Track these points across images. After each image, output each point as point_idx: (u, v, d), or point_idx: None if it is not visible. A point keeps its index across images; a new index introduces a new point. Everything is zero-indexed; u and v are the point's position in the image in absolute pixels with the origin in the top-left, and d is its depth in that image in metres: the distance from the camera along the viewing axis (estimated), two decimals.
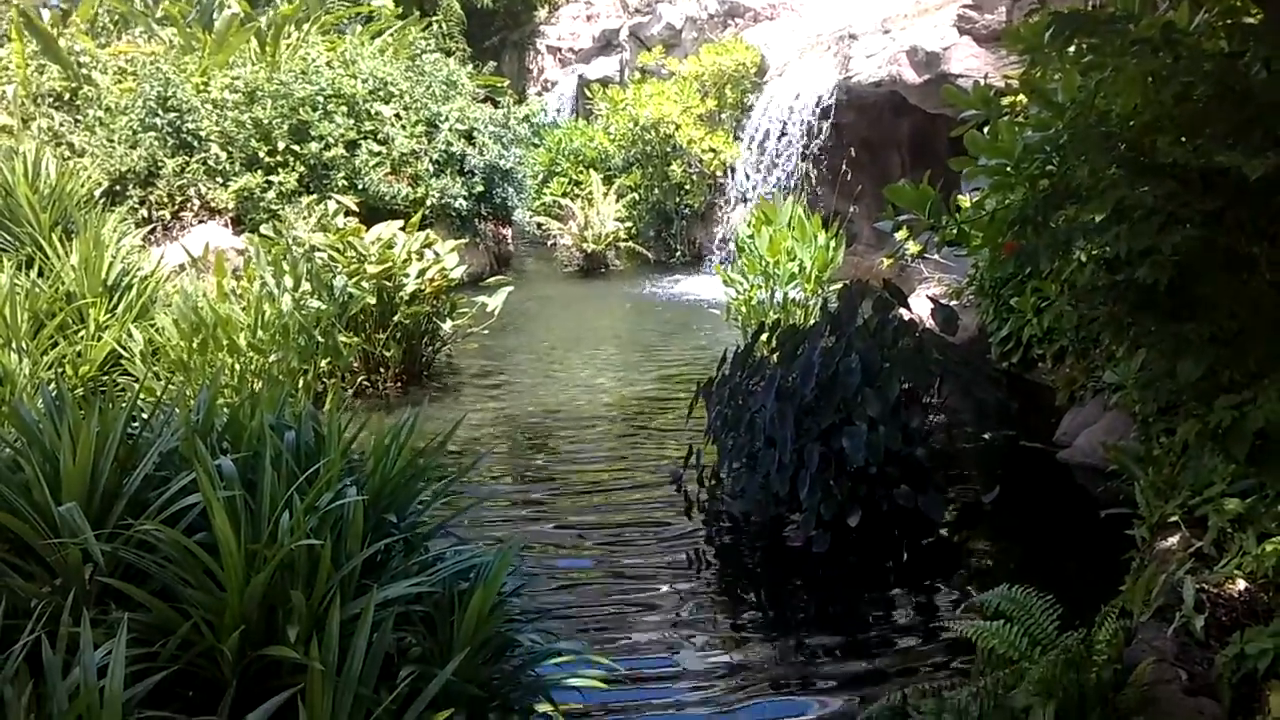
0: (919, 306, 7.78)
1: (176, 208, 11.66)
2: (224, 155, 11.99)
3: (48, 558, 3.05)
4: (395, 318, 8.44)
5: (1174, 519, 4.15)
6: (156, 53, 13.57)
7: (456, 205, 12.99)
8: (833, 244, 9.78)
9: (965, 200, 6.94)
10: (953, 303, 8.26)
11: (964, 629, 3.56)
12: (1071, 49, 3.96)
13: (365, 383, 8.38)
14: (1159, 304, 3.72)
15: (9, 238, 8.01)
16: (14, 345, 6.70)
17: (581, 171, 16.58)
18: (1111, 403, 6.05)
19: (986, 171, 4.89)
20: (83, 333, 7.23)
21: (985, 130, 4.90)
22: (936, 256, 9.65)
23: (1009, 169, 4.70)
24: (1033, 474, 6.43)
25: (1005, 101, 5.08)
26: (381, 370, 8.55)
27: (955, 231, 5.28)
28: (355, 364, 8.29)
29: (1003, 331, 7.68)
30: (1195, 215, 3.75)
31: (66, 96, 12.57)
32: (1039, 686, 3.05)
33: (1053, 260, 5.75)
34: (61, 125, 11.87)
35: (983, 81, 5.10)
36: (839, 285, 6.96)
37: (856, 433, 5.13)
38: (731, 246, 12.95)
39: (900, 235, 6.66)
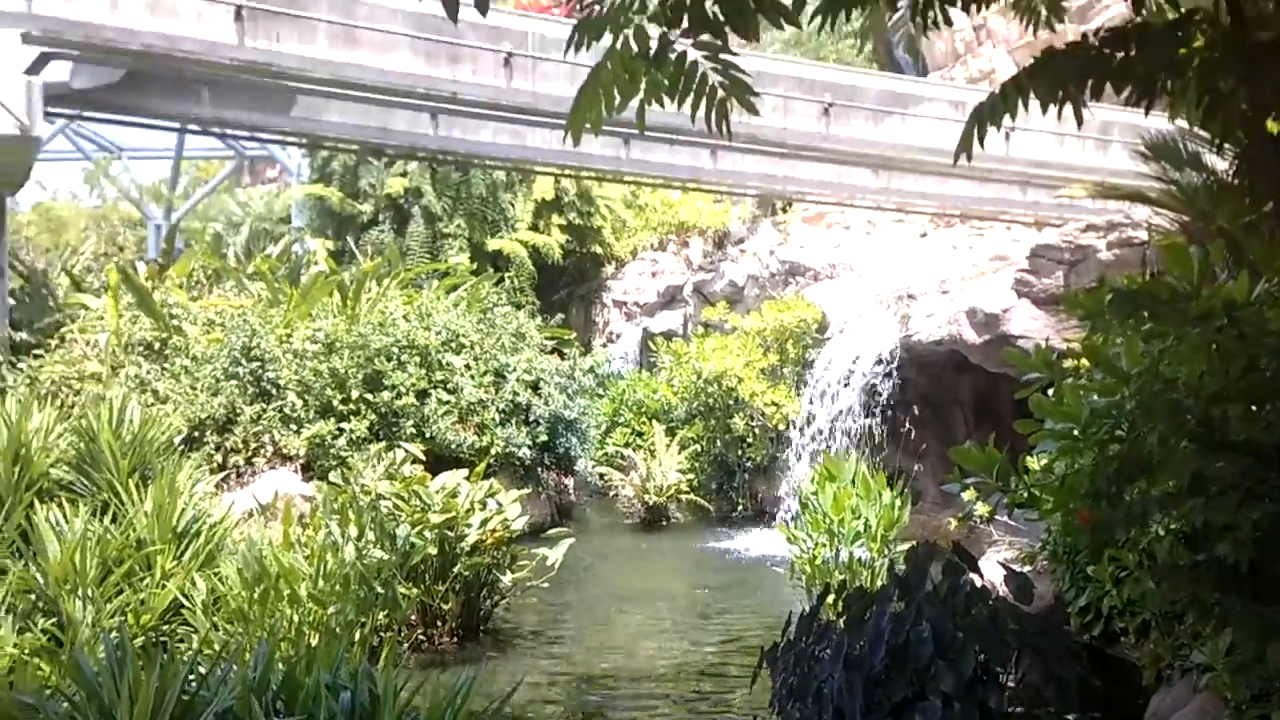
0: (990, 571, 7.55)
1: (250, 454, 11.95)
2: (300, 403, 12.40)
3: None
4: (455, 569, 8.40)
5: None
6: (245, 305, 14.34)
7: (521, 454, 13.17)
8: (898, 502, 9.67)
9: (1034, 462, 6.86)
10: (1026, 568, 8.01)
11: None
12: (1131, 320, 4.02)
13: (421, 636, 8.26)
14: (1243, 584, 3.59)
15: (88, 483, 8.24)
16: (80, 592, 6.76)
17: (644, 422, 16.83)
18: (1202, 684, 5.70)
19: (1053, 435, 4.87)
20: (148, 580, 7.28)
21: (1049, 392, 4.93)
22: (1006, 519, 9.46)
23: (1076, 433, 4.69)
24: None
25: (1067, 364, 5.13)
26: (438, 624, 8.43)
27: (1025, 495, 5.22)
28: (413, 617, 8.20)
29: (1081, 601, 7.38)
30: (1274, 491, 3.67)
31: (156, 346, 13.23)
32: None
33: (1128, 531, 5.61)
34: (149, 373, 12.42)
35: (1044, 344, 5.16)
36: (906, 546, 6.82)
37: (931, 709, 4.88)
38: (795, 502, 12.85)
39: (968, 496, 6.58)
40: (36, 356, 12.39)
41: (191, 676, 3.94)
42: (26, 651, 6.21)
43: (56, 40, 11.59)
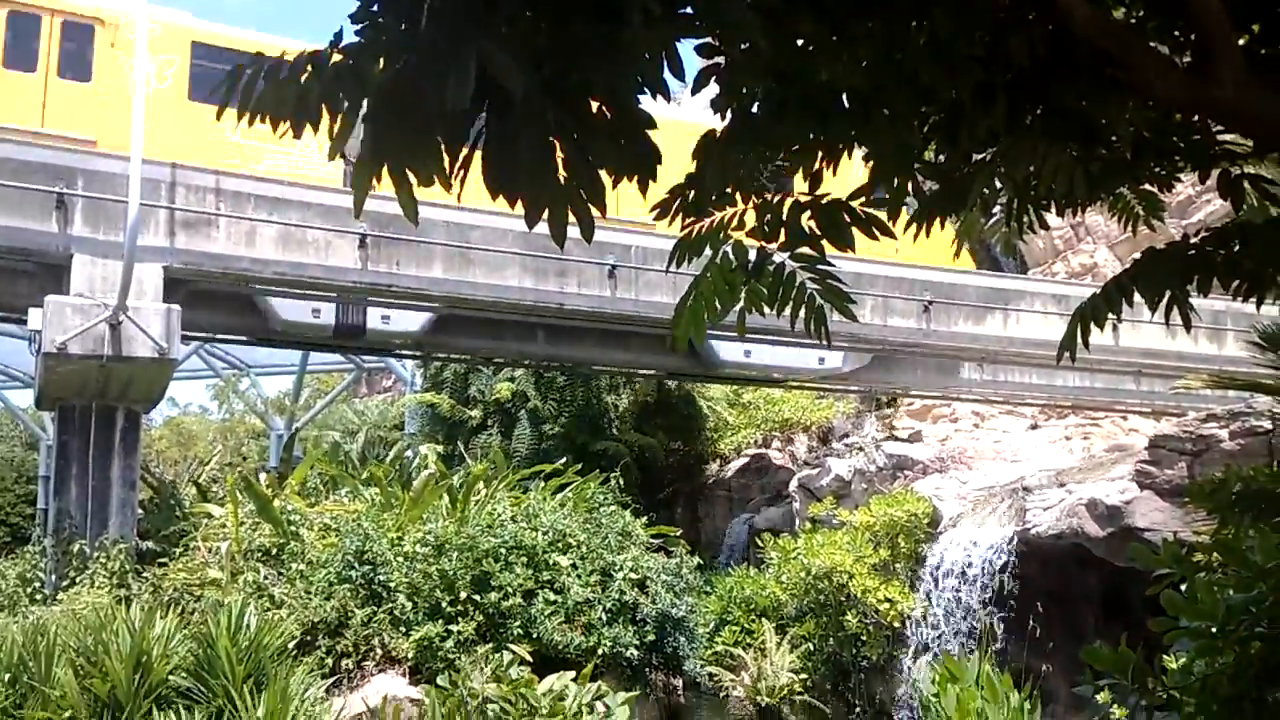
0: None
1: (360, 657, 11.98)
2: (409, 605, 12.47)
3: None
4: None
5: None
6: (360, 510, 14.69)
7: (628, 654, 12.91)
8: (1027, 705, 9.14)
9: (1171, 662, 6.48)
10: None
11: None
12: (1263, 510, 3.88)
13: None
14: None
15: (204, 690, 8.35)
16: None
17: (754, 620, 16.39)
18: None
19: (1190, 634, 4.62)
20: None
21: (1182, 588, 4.71)
22: None
23: (1214, 630, 4.44)
24: None
25: (1198, 558, 4.91)
26: None
27: (1164, 696, 4.91)
28: None
29: None
30: None
31: (274, 551, 13.56)
32: None
33: None
34: (266, 578, 12.71)
35: (1170, 537, 4.96)
36: None
37: None
38: (916, 705, 12.23)
39: (1102, 698, 6.22)
40: (161, 564, 12.81)
41: None
42: None
43: (196, 272, 12.55)
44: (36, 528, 13.16)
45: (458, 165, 2.90)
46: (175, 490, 17.83)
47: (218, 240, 12.55)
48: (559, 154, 2.90)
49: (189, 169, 12.62)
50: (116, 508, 12.36)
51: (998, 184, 3.99)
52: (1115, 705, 7.24)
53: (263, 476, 15.97)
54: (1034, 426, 20.09)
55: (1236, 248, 4.03)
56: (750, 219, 3.79)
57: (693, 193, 3.73)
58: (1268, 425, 9.96)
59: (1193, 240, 4.09)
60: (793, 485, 20.90)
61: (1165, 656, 6.99)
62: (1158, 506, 10.88)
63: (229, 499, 14.38)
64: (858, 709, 14.88)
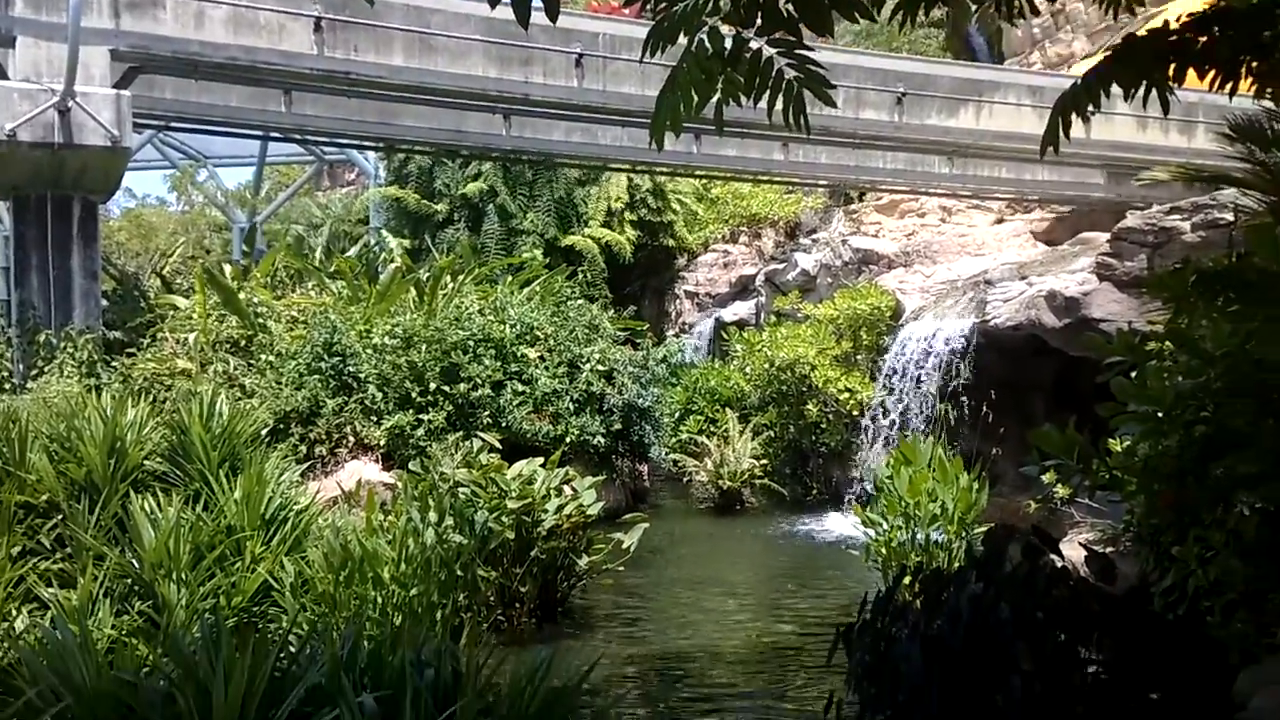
0: (1072, 553, 7.43)
1: (333, 444, 12.25)
2: (379, 395, 12.67)
3: None
4: (533, 553, 8.53)
5: None
6: (326, 303, 14.68)
7: (595, 442, 13.28)
8: (976, 486, 9.56)
9: (1116, 445, 6.75)
10: (1108, 550, 7.88)
11: None
12: (1219, 300, 3.95)
13: (500, 617, 8.40)
14: None
15: (180, 473, 8.52)
16: (174, 576, 7.01)
17: (717, 410, 16.84)
18: None
19: (1136, 418, 4.80)
20: (239, 564, 7.52)
21: (1133, 375, 4.85)
22: (1087, 501, 9.30)
23: (1160, 415, 4.61)
24: None
25: (1150, 347, 5.04)
26: (517, 605, 8.57)
27: (1107, 477, 5.14)
28: (492, 599, 8.35)
29: (1166, 582, 7.22)
30: None
31: (242, 343, 13.61)
32: None
33: (1214, 511, 5.50)
34: (235, 369, 12.79)
35: (1126, 327, 5.07)
36: (984, 529, 6.75)
37: (1011, 687, 4.84)
38: (869, 486, 12.77)
39: (1048, 479, 6.49)
40: (129, 355, 12.82)
41: (282, 655, 4.08)
42: (125, 633, 6.48)
43: (144, 55, 12.00)
44: (0, 319, 13.04)
45: None
46: (139, 282, 17.67)
47: (165, 22, 11.94)
48: None
49: None
50: (80, 298, 12.24)
51: None
52: (1059, 485, 7.59)
53: (227, 269, 15.82)
54: (1000, 221, 20.13)
55: (1216, 33, 3.95)
56: (725, 2, 3.64)
57: None
58: (1229, 217, 10.02)
59: (1173, 26, 4.00)
60: (759, 280, 21.05)
61: (1110, 441, 7.25)
62: (1115, 298, 11.07)
63: (194, 291, 14.29)
64: (815, 491, 15.52)
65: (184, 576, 7.06)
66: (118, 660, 4.26)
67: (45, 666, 3.72)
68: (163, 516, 7.49)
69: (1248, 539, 4.38)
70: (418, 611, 7.20)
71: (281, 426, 12.00)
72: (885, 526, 9.60)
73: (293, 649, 4.25)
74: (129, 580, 7.18)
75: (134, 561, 7.21)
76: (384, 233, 22.10)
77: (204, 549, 7.47)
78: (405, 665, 3.87)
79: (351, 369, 12.79)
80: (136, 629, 6.61)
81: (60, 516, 7.73)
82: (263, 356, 13.11)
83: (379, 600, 7.27)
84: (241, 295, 14.11)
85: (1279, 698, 5.64)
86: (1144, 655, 5.22)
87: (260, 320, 13.98)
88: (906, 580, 6.03)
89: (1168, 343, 4.94)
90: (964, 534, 9.21)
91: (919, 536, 9.26)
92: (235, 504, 7.90)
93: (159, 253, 25.92)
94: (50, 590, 6.79)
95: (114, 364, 12.32)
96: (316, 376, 12.61)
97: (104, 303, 14.33)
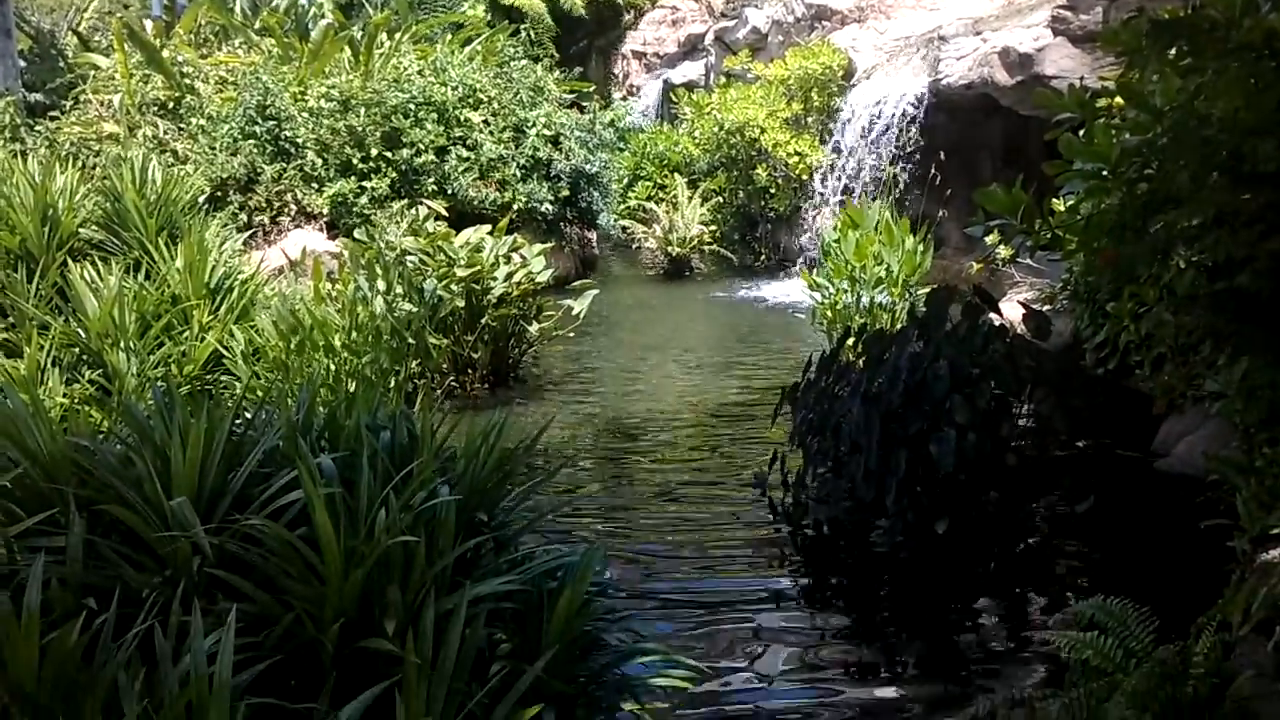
0: (1010, 312, 7.65)
1: (275, 213, 12.01)
2: (319, 162, 12.32)
3: (159, 550, 3.18)
4: (483, 320, 8.58)
5: (1277, 531, 4.02)
6: (255, 62, 14.00)
7: (543, 209, 13.15)
8: (920, 248, 9.68)
9: (1059, 204, 6.81)
10: (1046, 308, 8.10)
11: (1056, 639, 3.50)
12: (1171, 52, 3.88)
13: (454, 384, 8.54)
14: (1261, 312, 3.63)
15: (117, 242, 8.34)
16: (123, 345, 6.98)
17: (666, 175, 16.66)
18: (1212, 411, 5.88)
19: (1081, 175, 4.80)
20: (187, 333, 7.50)
21: (1081, 133, 4.82)
22: (1029, 261, 9.47)
23: (1105, 173, 4.62)
24: (1128, 483, 6.28)
25: (1101, 104, 4.99)
26: (469, 372, 8.70)
27: (1049, 236, 5.20)
28: (444, 365, 8.46)
29: (1098, 337, 7.52)
30: None
31: (170, 105, 13.03)
32: (1133, 699, 3.00)
33: (1151, 266, 5.62)
34: (166, 133, 12.31)
35: (1078, 84, 4.99)
36: (927, 290, 6.89)
37: (945, 439, 5.08)
38: (817, 251, 12.88)
39: (991, 239, 6.57)
40: (53, 118, 12.26)
41: (238, 420, 4.12)
42: (76, 400, 6.50)
43: None
44: None
45: None
46: (55, 39, 16.65)
47: None
48: None
49: None
50: None
51: None
52: (1002, 245, 7.69)
53: (148, 24, 14.92)
54: None
55: None
56: None
57: None
58: None
59: None
60: (708, 38, 20.35)
61: (1054, 201, 7.31)
62: (1069, 54, 10.87)
63: (114, 48, 13.52)
64: (763, 257, 15.63)
65: (132, 345, 7.04)
66: (72, 426, 4.28)
67: None
68: (104, 285, 7.39)
69: (1181, 293, 4.50)
70: (371, 378, 7.28)
71: (219, 194, 11.70)
72: (831, 290, 9.76)
73: (248, 414, 4.29)
74: (76, 350, 7.14)
75: (80, 330, 7.15)
76: None
77: (150, 318, 7.43)
78: (361, 428, 3.93)
79: (288, 134, 12.37)
80: (88, 397, 6.64)
81: None
82: (193, 120, 12.60)
83: (332, 368, 7.33)
84: (165, 53, 13.39)
85: (1197, 446, 5.98)
86: (1073, 407, 5.47)
87: (187, 81, 13.34)
88: (850, 341, 6.18)
89: (1117, 99, 4.90)
90: (907, 296, 9.40)
91: (864, 299, 9.44)
92: (178, 272, 7.80)
93: (74, 7, 24.27)
94: None
95: (38, 128, 11.80)
96: (252, 141, 12.20)
97: (21, 63, 13.56)
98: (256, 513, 3.26)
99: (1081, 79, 9.73)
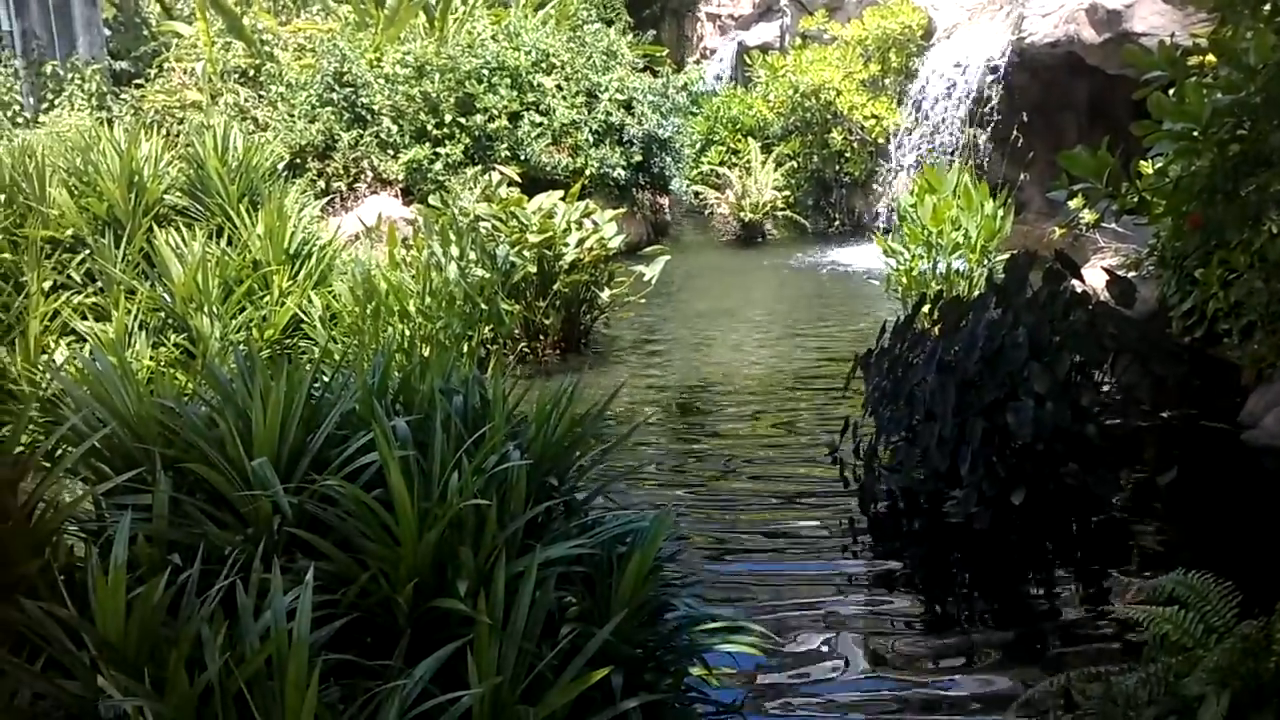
0: (1093, 278, 7.46)
1: (351, 179, 12.18)
2: (394, 128, 12.44)
3: (240, 509, 3.27)
4: (555, 286, 8.61)
5: None
6: (333, 29, 14.15)
7: (615, 175, 13.12)
8: (1000, 213, 9.45)
9: (1147, 166, 6.59)
10: (1131, 274, 7.89)
11: (1135, 613, 3.43)
12: (1266, 7, 3.73)
13: (525, 350, 8.60)
14: None
15: (200, 208, 8.53)
16: (206, 309, 7.16)
17: (740, 140, 16.48)
18: None
19: (1171, 136, 4.64)
20: (267, 298, 7.65)
21: (1170, 93, 4.65)
22: (1114, 226, 9.20)
23: (1195, 134, 4.46)
24: (1214, 455, 6.10)
25: (1192, 62, 4.81)
26: (541, 338, 8.75)
27: (1136, 200, 5.03)
28: (516, 331, 8.52)
29: (1185, 305, 7.30)
30: None
31: (250, 73, 13.25)
32: (1213, 675, 2.92)
33: (1241, 231, 5.42)
34: (246, 101, 12.53)
35: (1168, 41, 4.81)
36: (1006, 256, 6.73)
37: (1023, 408, 4.97)
38: (893, 216, 12.67)
39: (1074, 204, 6.40)
40: (138, 86, 12.54)
41: (316, 383, 4.20)
42: (162, 364, 6.69)
43: None
44: (4, 50, 12.70)
45: None
46: (139, 7, 17.01)
47: None
48: None
49: None
50: (82, 26, 11.87)
51: None
52: (1086, 209, 7.49)
53: None
54: None
55: None
56: None
57: None
58: None
59: None
60: None
61: (1141, 163, 7.09)
62: (1158, 10, 10.50)
63: (196, 16, 13.77)
64: (837, 222, 15.43)
65: (215, 310, 7.20)
66: (157, 388, 4.41)
67: (88, 394, 3.85)
68: (188, 251, 7.56)
69: (1273, 259, 4.34)
70: (444, 343, 7.36)
71: (298, 161, 11.90)
72: (906, 255, 9.58)
73: (325, 377, 4.38)
74: (162, 314, 7.33)
75: (165, 295, 7.34)
76: None
77: (232, 283, 7.60)
78: (434, 392, 3.98)
79: (365, 100, 12.50)
80: (174, 360, 6.82)
81: (87, 251, 7.82)
82: (273, 87, 12.79)
83: (406, 333, 7.43)
84: (245, 21, 13.60)
85: None
86: (1158, 377, 5.31)
87: (267, 49, 13.54)
88: (926, 308, 6.08)
89: (1209, 56, 4.71)
90: (986, 262, 9.20)
91: (940, 265, 9.26)
92: (259, 238, 7.95)
93: None
94: (86, 323, 6.95)
95: (124, 96, 12.08)
96: (329, 109, 12.36)
97: (106, 32, 13.88)
98: (334, 474, 3.33)
99: (1172, 35, 9.36)
